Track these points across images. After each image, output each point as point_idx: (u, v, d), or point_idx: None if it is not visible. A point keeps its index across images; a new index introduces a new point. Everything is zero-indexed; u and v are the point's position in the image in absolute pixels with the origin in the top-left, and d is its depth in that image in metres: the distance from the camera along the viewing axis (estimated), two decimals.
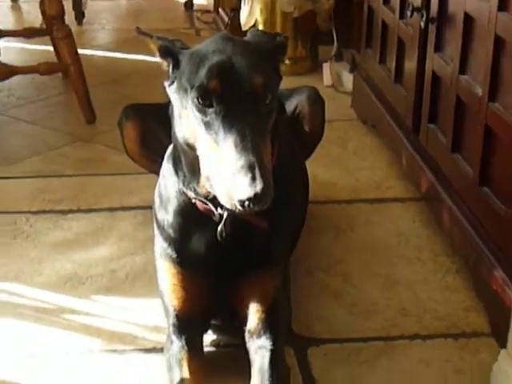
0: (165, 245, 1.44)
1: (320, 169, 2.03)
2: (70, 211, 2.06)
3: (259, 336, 1.39)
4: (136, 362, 1.52)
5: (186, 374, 1.37)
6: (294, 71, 2.90)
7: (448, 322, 1.64)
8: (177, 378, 1.37)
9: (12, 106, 2.74)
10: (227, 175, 1.20)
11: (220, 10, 3.64)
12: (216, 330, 1.55)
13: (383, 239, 1.96)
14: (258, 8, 3.03)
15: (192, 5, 4.02)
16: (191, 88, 1.27)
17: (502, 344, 1.42)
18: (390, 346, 1.57)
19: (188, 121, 1.29)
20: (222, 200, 1.24)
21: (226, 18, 3.46)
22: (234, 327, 1.48)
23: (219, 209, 1.33)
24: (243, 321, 1.43)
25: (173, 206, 1.42)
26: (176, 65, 1.34)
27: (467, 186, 1.75)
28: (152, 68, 2.99)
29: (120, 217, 2.04)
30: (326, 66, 2.99)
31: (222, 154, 1.22)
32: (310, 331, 1.61)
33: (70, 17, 2.57)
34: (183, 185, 1.39)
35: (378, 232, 1.99)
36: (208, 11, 3.90)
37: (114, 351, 1.55)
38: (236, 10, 3.26)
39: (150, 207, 1.79)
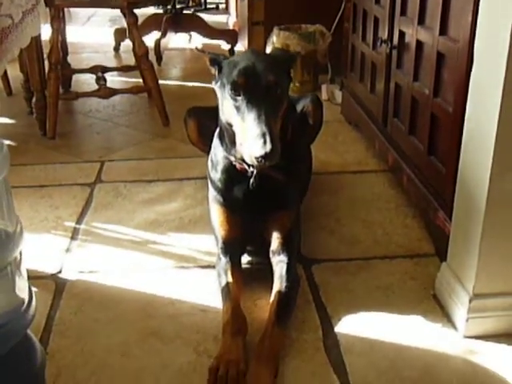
0: (215, 193, 1.41)
1: (319, 151, 1.96)
2: (153, 181, 2.00)
3: (279, 254, 1.36)
4: (197, 275, 1.48)
5: (230, 279, 1.33)
6: (301, 91, 2.78)
7: (407, 248, 1.58)
8: (223, 282, 1.34)
9: (115, 116, 2.69)
10: (249, 141, 1.19)
11: None
12: (249, 252, 1.51)
13: (363, 196, 1.88)
14: None
15: (233, 51, 3.83)
16: (228, 83, 1.26)
17: (443, 260, 1.37)
18: (367, 264, 1.51)
19: (227, 106, 1.28)
20: (247, 159, 1.23)
21: None
22: (261, 250, 1.44)
23: (251, 167, 1.32)
24: (268, 245, 1.39)
25: (220, 166, 1.39)
26: (220, 70, 1.32)
27: (419, 156, 1.66)
28: (204, 91, 2.99)
29: (185, 184, 1.98)
30: (323, 87, 2.90)
31: (246, 127, 1.21)
32: (313, 254, 1.55)
33: (152, 60, 2.52)
34: (226, 152, 1.36)
35: (359, 192, 1.91)
36: None
37: (182, 267, 1.51)
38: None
39: (205, 177, 1.77)
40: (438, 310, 1.33)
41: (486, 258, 1.19)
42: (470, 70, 1.22)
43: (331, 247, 1.60)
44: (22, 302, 0.97)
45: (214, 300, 1.35)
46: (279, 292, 1.28)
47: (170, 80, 3.28)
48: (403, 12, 1.76)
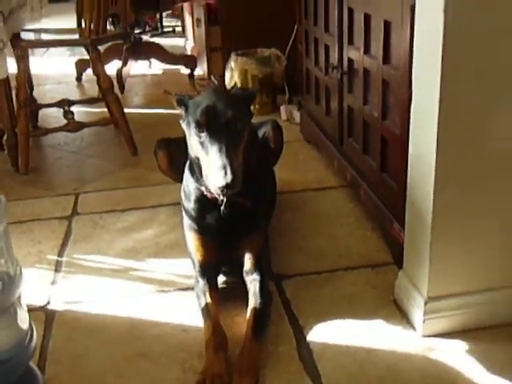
0: (189, 221, 1.52)
1: (282, 171, 2.06)
2: (126, 209, 2.10)
3: (252, 273, 1.47)
4: (177, 297, 1.58)
5: (209, 300, 1.43)
6: (261, 112, 2.89)
7: (367, 258, 1.71)
8: (203, 303, 1.44)
9: (83, 148, 2.78)
10: (212, 173, 1.32)
11: (211, 76, 3.62)
12: (224, 273, 1.60)
13: (326, 212, 2.00)
14: (236, 74, 3.05)
15: (193, 75, 3.95)
16: (192, 122, 1.38)
17: (400, 267, 1.50)
18: (332, 276, 1.63)
19: (193, 142, 1.40)
20: (212, 189, 1.37)
21: (216, 81, 3.48)
22: (235, 271, 1.53)
23: (220, 196, 1.44)
24: (241, 265, 1.49)
25: (192, 197, 1.50)
26: (186, 109, 1.45)
27: (373, 173, 1.79)
28: (167, 118, 3.09)
29: (158, 211, 2.08)
30: (282, 108, 3.01)
31: (209, 161, 1.34)
32: (282, 270, 1.66)
33: (115, 88, 2.61)
34: (197, 183, 1.48)
35: (322, 208, 2.03)
36: (203, 78, 3.87)
37: (163, 291, 1.61)
38: (222, 76, 3.28)
39: (178, 203, 1.89)
40: (398, 313, 1.47)
41: (436, 263, 1.33)
42: (411, 96, 1.37)
43: (299, 262, 1.72)
44: (25, 334, 1.07)
45: (194, 320, 1.46)
46: (254, 308, 1.40)
47: (134, 108, 3.36)
48: (350, 41, 1.91)
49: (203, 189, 1.46)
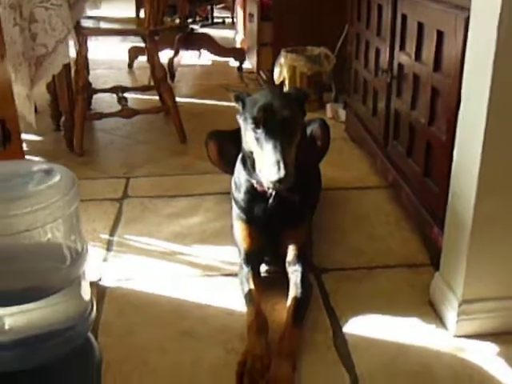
0: (238, 211, 1.61)
1: (327, 169, 2.11)
2: (175, 196, 2.19)
3: (294, 264, 1.55)
4: (221, 282, 1.66)
5: (252, 286, 1.51)
6: (308, 109, 2.97)
7: (405, 259, 1.77)
8: (246, 288, 1.52)
9: (134, 133, 2.88)
10: (266, 167, 1.40)
11: (260, 71, 3.68)
12: (267, 263, 1.67)
13: (366, 211, 2.06)
14: (285, 70, 3.12)
15: (242, 68, 4.06)
16: (249, 118, 1.46)
17: (437, 269, 1.55)
18: (370, 272, 1.70)
19: (248, 137, 1.48)
20: (264, 182, 1.44)
21: (265, 76, 3.55)
22: (277, 261, 1.61)
23: (269, 189, 1.52)
24: (284, 256, 1.57)
25: (243, 188, 1.59)
26: (243, 105, 1.53)
27: (416, 177, 1.84)
28: (216, 108, 3.19)
29: (205, 199, 2.16)
30: (328, 106, 3.07)
31: (264, 156, 1.41)
32: (322, 264, 1.73)
33: None
34: (248, 176, 1.56)
35: (363, 206, 2.09)
36: (252, 72, 3.96)
37: (208, 275, 1.70)
38: (270, 71, 3.36)
39: (225, 192, 1.98)
40: (432, 313, 1.53)
41: (472, 268, 1.39)
42: (460, 104, 1.42)
43: (339, 258, 1.78)
44: (87, 305, 1.16)
45: (237, 304, 1.54)
46: (295, 297, 1.47)
47: (184, 97, 3.44)
48: (402, 47, 1.96)
49: (254, 181, 1.54)
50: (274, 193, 1.51)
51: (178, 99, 2.84)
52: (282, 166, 1.36)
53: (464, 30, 1.44)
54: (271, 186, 1.39)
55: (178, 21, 3.00)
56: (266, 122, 1.42)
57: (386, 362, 1.37)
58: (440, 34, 1.63)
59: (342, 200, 2.15)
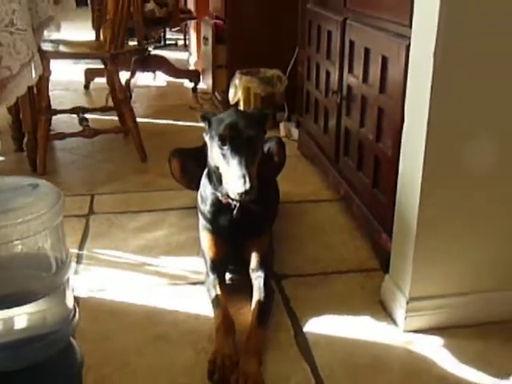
0: (204, 222, 1.71)
1: (283, 184, 2.19)
2: (140, 211, 2.28)
3: (257, 270, 1.66)
4: (188, 290, 1.76)
5: (219, 292, 1.62)
6: None
7: (358, 264, 1.91)
8: (213, 294, 1.62)
9: (96, 153, 2.96)
10: (233, 181, 1.52)
11: (215, 92, 3.79)
12: (231, 271, 1.78)
13: (321, 222, 2.20)
14: (239, 91, 3.26)
15: (196, 89, 4.17)
16: (216, 136, 1.58)
17: (386, 273, 1.70)
18: (326, 278, 1.83)
19: (215, 153, 1.60)
20: (231, 195, 1.55)
21: (220, 97, 3.68)
22: (241, 269, 1.72)
23: (234, 201, 1.64)
24: (247, 263, 1.68)
25: (209, 201, 1.70)
26: (209, 124, 1.65)
27: (366, 189, 1.99)
28: (172, 128, 3.28)
29: (169, 214, 2.26)
30: (281, 125, 3.22)
31: (230, 171, 1.54)
32: (282, 271, 1.85)
33: None
34: (214, 189, 1.68)
35: (317, 218, 2.23)
36: (206, 93, 4.07)
37: (175, 284, 1.80)
38: (225, 92, 3.49)
39: (187, 207, 2.10)
40: (383, 312, 1.67)
41: (418, 268, 1.54)
42: (403, 123, 1.58)
43: (297, 265, 1.91)
44: (70, 311, 1.26)
45: (204, 309, 1.65)
46: (259, 301, 1.59)
47: (141, 118, 3.52)
48: (350, 70, 2.12)
49: (219, 194, 1.66)
50: (237, 205, 1.63)
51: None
52: (247, 179, 1.48)
53: (405, 56, 1.61)
54: (238, 197, 1.52)
55: (135, 43, 3.10)
56: (232, 140, 1.55)
57: (343, 357, 1.50)
58: (384, 59, 1.79)
59: (298, 212, 2.29)
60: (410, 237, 1.53)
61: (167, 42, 6.11)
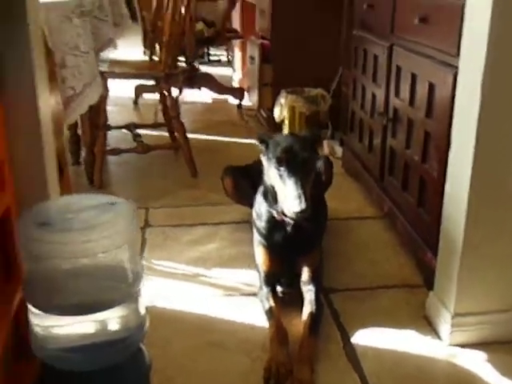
0: (259, 238, 1.82)
1: (328, 201, 2.28)
2: (192, 225, 2.40)
3: (308, 284, 1.76)
4: (241, 301, 1.87)
5: (272, 304, 1.72)
6: None
7: (402, 280, 1.99)
8: (267, 306, 1.72)
9: (148, 167, 3.09)
10: (289, 200, 1.62)
11: (261, 109, 3.91)
12: (281, 284, 1.85)
13: (365, 239, 2.29)
14: (285, 110, 3.37)
15: (241, 106, 4.30)
16: (273, 157, 1.69)
17: (430, 289, 1.77)
18: (372, 293, 1.92)
19: (271, 173, 1.71)
20: (287, 213, 1.66)
21: (265, 114, 3.79)
22: (292, 282, 1.82)
23: (288, 218, 1.75)
24: (299, 278, 1.79)
25: (264, 217, 1.81)
26: (266, 146, 1.76)
27: (410, 207, 2.06)
28: (221, 143, 3.40)
29: (221, 227, 2.37)
30: (325, 142, 3.30)
31: (286, 190, 1.64)
32: (330, 285, 1.94)
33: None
34: (269, 207, 1.79)
35: (362, 235, 2.32)
36: (251, 109, 4.19)
37: (229, 295, 1.91)
38: (270, 109, 3.60)
39: (238, 222, 2.21)
40: (428, 326, 1.75)
41: (463, 286, 1.62)
42: (449, 146, 1.66)
43: (344, 280, 2.00)
44: (143, 319, 1.37)
45: (258, 320, 1.76)
46: (311, 313, 1.69)
47: (188, 133, 3.66)
48: (397, 93, 2.21)
49: (274, 212, 1.77)
50: (291, 222, 1.73)
51: None
52: (302, 199, 1.59)
53: (452, 84, 1.69)
54: (293, 216, 1.62)
55: (182, 59, 3.23)
56: (288, 162, 1.66)
57: (390, 368, 1.58)
58: (431, 85, 1.88)
59: (343, 229, 2.38)
60: (455, 256, 1.61)
61: (211, 58, 6.27)
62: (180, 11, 2.76)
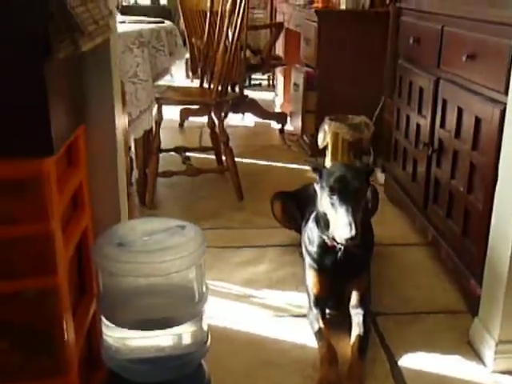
0: (311, 261, 1.91)
1: (373, 226, 2.37)
2: (240, 247, 2.50)
3: (357, 307, 1.84)
4: (291, 321, 1.96)
5: (322, 325, 1.80)
6: None
7: (446, 306, 2.06)
8: (316, 327, 1.80)
9: (196, 190, 3.21)
10: (340, 227, 1.71)
11: (304, 135, 4.02)
12: (329, 307, 1.93)
13: (409, 265, 2.36)
14: (328, 136, 3.46)
15: (283, 130, 4.41)
16: (326, 186, 1.79)
17: (474, 315, 1.84)
18: (417, 317, 1.99)
19: (324, 201, 1.81)
20: (338, 239, 1.75)
21: (308, 140, 3.89)
22: (339, 305, 1.91)
23: (338, 244, 1.84)
24: (348, 301, 1.86)
25: (316, 243, 1.90)
26: (320, 175, 1.86)
27: (455, 236, 2.12)
28: (266, 167, 3.50)
29: (268, 250, 2.46)
30: None
31: (338, 218, 1.73)
32: (376, 308, 2.00)
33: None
34: (321, 232, 1.88)
35: (406, 261, 2.39)
36: (293, 134, 4.30)
37: (278, 316, 1.99)
38: (313, 135, 3.71)
39: (284, 245, 2.30)
40: (472, 352, 1.81)
41: (508, 314, 1.68)
42: (496, 179, 1.74)
43: (390, 304, 2.08)
44: (205, 336, 1.47)
45: (307, 340, 1.84)
46: (359, 335, 1.77)
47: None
48: (442, 125, 2.29)
49: (325, 237, 1.86)
50: (342, 248, 1.82)
51: None
52: (353, 226, 1.68)
53: (499, 120, 1.77)
54: (344, 242, 1.71)
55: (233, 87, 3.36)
56: (341, 191, 1.75)
57: None
58: (478, 120, 1.95)
59: (387, 255, 2.45)
60: (500, 285, 1.68)
61: (252, 82, 6.42)
62: (231, 39, 2.89)
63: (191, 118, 4.65)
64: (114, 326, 1.40)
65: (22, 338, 1.23)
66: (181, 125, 4.58)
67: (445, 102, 2.27)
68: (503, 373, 1.72)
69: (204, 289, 1.45)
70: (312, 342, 1.82)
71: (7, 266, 1.15)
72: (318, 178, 1.87)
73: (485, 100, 1.90)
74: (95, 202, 1.54)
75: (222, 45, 2.87)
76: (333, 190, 1.76)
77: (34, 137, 1.08)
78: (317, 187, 1.87)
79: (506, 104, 1.70)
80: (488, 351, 1.74)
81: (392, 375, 1.71)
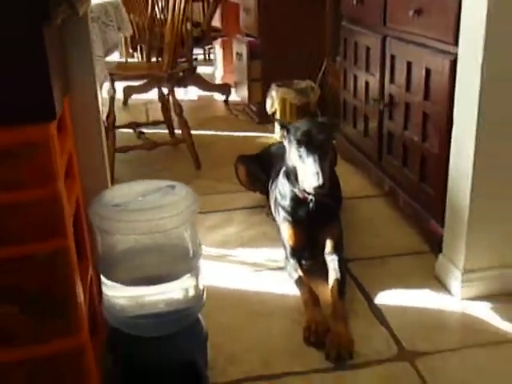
0: (285, 215, 2.00)
1: None
2: (208, 212, 2.56)
3: (332, 254, 1.95)
4: (269, 274, 2.06)
5: (301, 273, 1.91)
6: None
7: (409, 249, 2.20)
8: (296, 276, 1.91)
9: (152, 163, 3.25)
10: (309, 177, 1.82)
11: (250, 103, 4.09)
12: (304, 257, 2.02)
13: (369, 216, 2.50)
14: (276, 102, 3.56)
15: (228, 101, 4.49)
16: (294, 140, 1.88)
17: (436, 254, 1.99)
18: (383, 260, 2.13)
19: (292, 155, 1.90)
20: (307, 189, 1.85)
21: (255, 108, 3.97)
22: (314, 254, 2.01)
23: (310, 196, 1.94)
24: (322, 248, 1.97)
25: (288, 196, 1.99)
26: (287, 131, 1.95)
27: (412, 184, 2.26)
28: (216, 137, 3.56)
29: (235, 213, 2.56)
30: None
31: (306, 168, 1.83)
32: (346, 256, 2.10)
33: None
34: (292, 186, 1.98)
35: (365, 212, 2.53)
36: (238, 104, 4.37)
37: (257, 270, 2.09)
38: (260, 103, 3.80)
39: (250, 207, 2.39)
40: (439, 285, 1.96)
41: (471, 245, 1.83)
42: (449, 125, 1.87)
43: (355, 251, 2.20)
44: (201, 291, 1.54)
45: (288, 289, 1.95)
46: (336, 279, 1.88)
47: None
48: (392, 80, 2.42)
49: (296, 190, 1.96)
50: (313, 198, 1.93)
51: (178, 131, 3.25)
52: (321, 175, 1.79)
53: (449, 70, 1.90)
54: (312, 191, 1.82)
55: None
56: (308, 143, 1.85)
57: (411, 320, 1.80)
58: (428, 71, 2.08)
59: (347, 208, 2.55)
60: (462, 219, 1.83)
61: None
62: (177, 12, 2.92)
63: (134, 96, 4.64)
64: (112, 283, 1.45)
65: (34, 301, 1.28)
66: (124, 103, 4.57)
67: (393, 58, 2.39)
68: (471, 299, 1.87)
69: (197, 246, 1.52)
70: (292, 291, 1.93)
71: (19, 231, 1.19)
72: (285, 133, 1.96)
73: (434, 52, 2.03)
74: (83, 171, 1.58)
75: (169, 17, 2.89)
76: (300, 143, 1.86)
77: (39, 103, 1.11)
78: (285, 142, 1.97)
79: (456, 54, 1.84)
80: (454, 282, 1.89)
81: (371, 311, 1.84)
